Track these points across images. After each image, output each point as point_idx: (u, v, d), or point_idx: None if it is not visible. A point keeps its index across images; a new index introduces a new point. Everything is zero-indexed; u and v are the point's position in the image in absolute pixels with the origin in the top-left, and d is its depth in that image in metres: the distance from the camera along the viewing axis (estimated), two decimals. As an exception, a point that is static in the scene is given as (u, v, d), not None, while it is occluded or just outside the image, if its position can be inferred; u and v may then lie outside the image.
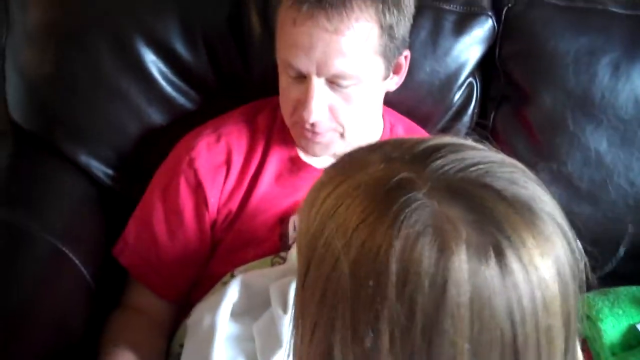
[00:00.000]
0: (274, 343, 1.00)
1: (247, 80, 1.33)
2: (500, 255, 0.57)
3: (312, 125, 1.13)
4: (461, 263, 0.56)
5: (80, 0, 1.29)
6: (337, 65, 1.07)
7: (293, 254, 1.10)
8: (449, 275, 0.56)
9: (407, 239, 0.57)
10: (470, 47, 1.35)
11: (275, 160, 1.21)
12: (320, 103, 1.10)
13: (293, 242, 1.15)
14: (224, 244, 1.21)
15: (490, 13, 1.36)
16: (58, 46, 1.28)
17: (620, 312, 1.06)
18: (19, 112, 1.31)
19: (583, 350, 1.10)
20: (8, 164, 1.28)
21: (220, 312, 1.07)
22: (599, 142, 1.36)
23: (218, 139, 1.22)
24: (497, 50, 1.38)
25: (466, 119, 1.40)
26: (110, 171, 1.34)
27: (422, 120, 1.36)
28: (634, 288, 1.11)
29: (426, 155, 0.63)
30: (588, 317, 1.07)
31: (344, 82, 1.09)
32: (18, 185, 1.23)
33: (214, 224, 1.20)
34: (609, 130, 1.36)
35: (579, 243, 0.63)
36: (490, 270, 0.57)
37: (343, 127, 1.14)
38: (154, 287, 1.22)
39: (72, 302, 1.15)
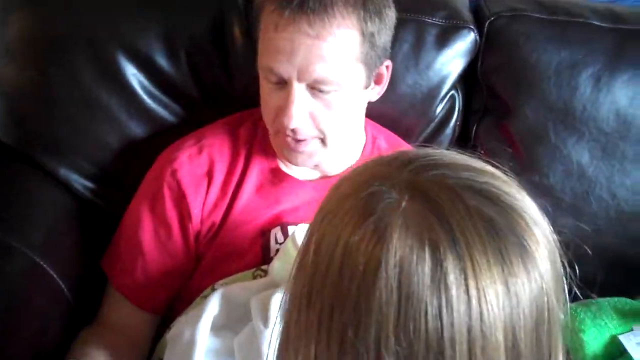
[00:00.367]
0: (255, 357, 0.99)
1: (230, 92, 1.33)
2: (436, 251, 0.57)
3: (294, 132, 1.12)
4: (395, 249, 0.57)
5: (61, 13, 1.29)
6: (318, 70, 1.07)
7: (275, 266, 1.10)
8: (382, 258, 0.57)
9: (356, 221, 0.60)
10: (452, 60, 1.36)
11: (257, 172, 1.21)
12: (301, 109, 1.10)
13: (275, 255, 1.14)
14: (207, 256, 1.20)
15: (472, 26, 1.36)
16: (38, 59, 1.27)
17: (603, 323, 1.06)
18: (-2, 127, 1.30)
19: (566, 362, 1.09)
20: (-14, 178, 1.27)
21: (200, 326, 1.06)
22: (580, 154, 1.37)
23: (200, 151, 1.21)
24: (479, 63, 1.38)
25: (448, 131, 1.40)
26: (90, 185, 1.33)
27: (405, 133, 1.36)
28: (615, 299, 1.11)
29: (414, 158, 0.64)
30: (570, 328, 1.07)
31: (325, 88, 1.09)
32: (-3, 199, 1.23)
33: (197, 236, 1.20)
34: (590, 142, 1.36)
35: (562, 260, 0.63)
36: (423, 263, 0.57)
37: (324, 134, 1.14)
38: (137, 300, 1.21)
39: (50, 317, 1.14)
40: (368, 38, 1.10)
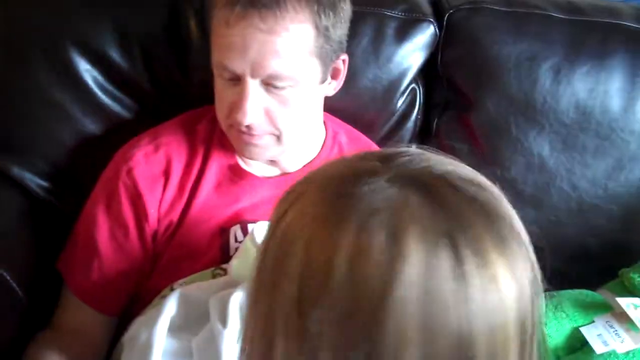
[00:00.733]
0: (214, 359, 0.97)
1: (186, 88, 1.31)
2: (454, 247, 0.56)
3: (248, 128, 1.11)
4: (412, 251, 0.55)
5: (12, 8, 1.26)
6: (273, 65, 1.06)
7: (234, 265, 1.08)
8: (400, 263, 0.55)
9: (361, 222, 0.56)
10: (412, 53, 1.35)
11: (215, 169, 1.19)
12: (255, 105, 1.08)
13: (234, 254, 1.12)
14: (165, 256, 1.18)
15: (431, 19, 1.35)
16: (-10, 57, 1.25)
17: (564, 315, 1.06)
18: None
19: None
20: None
21: (158, 327, 1.04)
22: (541, 146, 1.37)
23: (156, 149, 1.19)
24: (440, 56, 1.38)
25: (410, 125, 1.40)
26: (44, 183, 1.30)
27: (366, 127, 1.35)
28: (577, 291, 1.11)
29: (392, 154, 0.62)
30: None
31: (279, 84, 1.08)
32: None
33: (154, 235, 1.18)
34: (551, 134, 1.37)
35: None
36: (442, 261, 0.55)
37: (280, 131, 1.13)
38: (93, 302, 1.18)
39: (2, 319, 1.12)
40: (323, 32, 1.08)
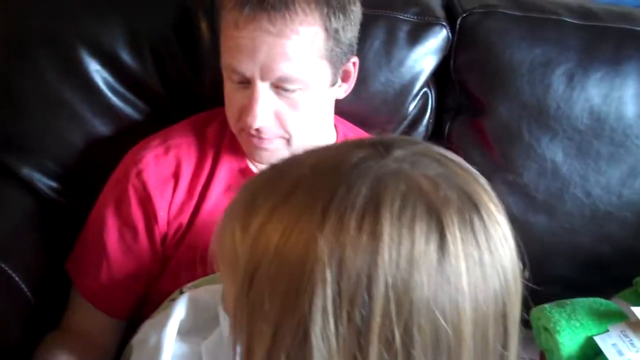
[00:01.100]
0: (223, 363, 0.96)
1: (197, 90, 1.30)
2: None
3: (258, 131, 1.10)
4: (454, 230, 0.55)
5: (23, 10, 1.26)
6: (282, 68, 1.05)
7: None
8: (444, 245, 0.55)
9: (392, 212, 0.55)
10: (424, 57, 1.34)
11: (225, 172, 1.18)
12: (265, 108, 1.08)
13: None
14: (174, 259, 1.18)
15: (444, 22, 1.34)
16: (0, 57, 1.25)
17: (578, 324, 1.04)
18: (-44, 125, 1.26)
19: (541, 363, 1.08)
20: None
21: (167, 331, 1.03)
22: (554, 152, 1.35)
23: (166, 151, 1.19)
24: (452, 60, 1.37)
25: (421, 129, 1.39)
26: (54, 184, 1.30)
27: (377, 131, 1.33)
28: (591, 300, 1.09)
29: (386, 142, 0.62)
30: (546, 329, 1.06)
31: (289, 87, 1.07)
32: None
33: (164, 238, 1.18)
34: (564, 141, 1.35)
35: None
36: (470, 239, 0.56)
37: (290, 134, 1.12)
38: (102, 305, 1.18)
39: (10, 320, 1.11)
40: (332, 35, 1.07)
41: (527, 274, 0.63)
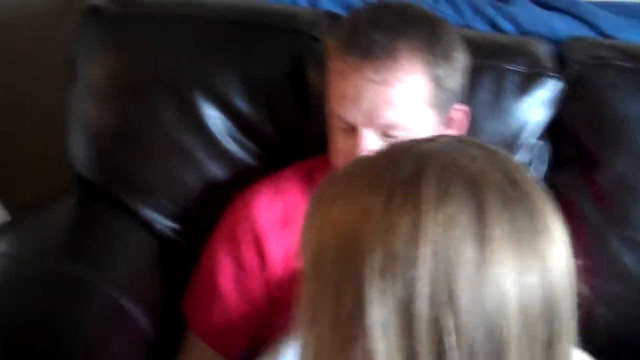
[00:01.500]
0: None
1: (306, 135, 1.34)
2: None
3: None
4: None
5: (143, 55, 1.34)
6: (386, 115, 1.07)
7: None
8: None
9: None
10: (533, 108, 1.33)
11: (333, 217, 1.20)
12: None
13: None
14: (284, 300, 1.19)
15: (554, 74, 1.33)
16: (121, 100, 1.33)
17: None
18: (81, 164, 1.35)
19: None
20: (72, 216, 1.33)
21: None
22: (675, 207, 1.30)
23: (277, 194, 1.22)
24: (563, 112, 1.34)
25: (529, 180, 1.36)
26: (171, 224, 1.35)
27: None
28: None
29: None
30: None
31: (394, 133, 1.08)
32: (82, 236, 1.27)
33: (274, 280, 1.20)
34: (686, 195, 1.30)
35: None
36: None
37: None
38: (215, 344, 1.21)
39: (130, 350, 1.15)
40: (436, 82, 1.09)
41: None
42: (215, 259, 1.22)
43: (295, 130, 1.34)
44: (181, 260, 1.32)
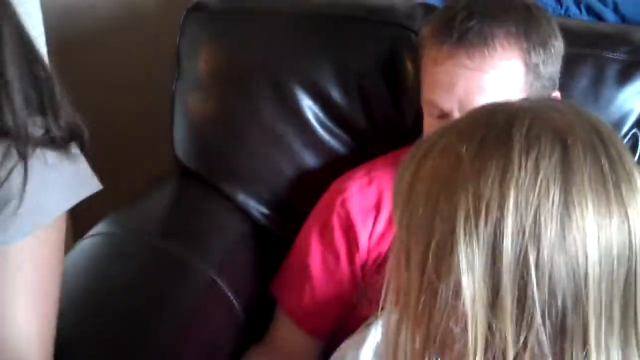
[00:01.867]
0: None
1: (399, 126, 1.35)
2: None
3: None
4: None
5: (243, 49, 1.38)
6: (480, 102, 1.05)
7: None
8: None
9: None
10: (634, 97, 1.30)
11: (424, 206, 1.20)
12: None
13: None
14: (372, 286, 1.21)
15: (656, 62, 1.30)
16: (222, 92, 1.37)
17: None
18: (183, 152, 1.40)
19: None
20: (172, 199, 1.38)
21: (363, 352, 1.06)
22: None
23: (370, 182, 1.23)
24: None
25: (629, 170, 1.33)
26: (265, 210, 1.39)
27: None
28: None
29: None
30: None
31: None
32: (181, 218, 1.32)
33: (363, 265, 1.21)
34: None
35: None
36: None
37: None
38: (304, 324, 1.24)
39: (222, 331, 1.20)
40: (532, 69, 1.08)
41: None
42: (307, 243, 1.25)
43: (388, 122, 1.35)
44: (271, 247, 1.36)
